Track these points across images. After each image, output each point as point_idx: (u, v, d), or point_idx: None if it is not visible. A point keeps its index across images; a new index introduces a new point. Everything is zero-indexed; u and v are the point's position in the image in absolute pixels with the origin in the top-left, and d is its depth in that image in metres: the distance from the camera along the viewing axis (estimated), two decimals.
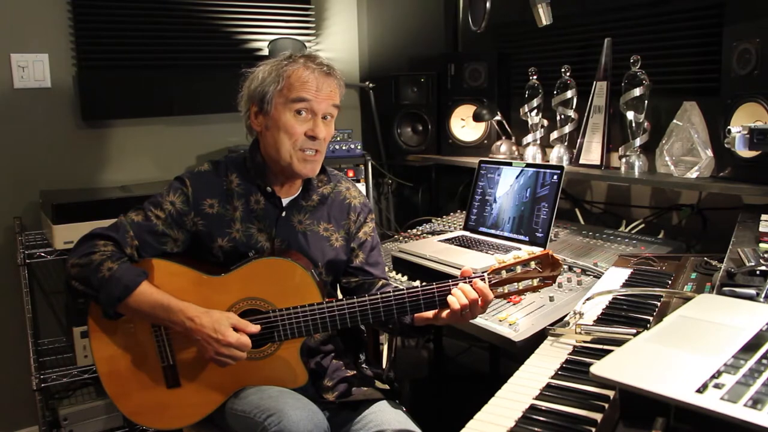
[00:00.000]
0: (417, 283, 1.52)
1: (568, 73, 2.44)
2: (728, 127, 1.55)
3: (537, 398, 1.12)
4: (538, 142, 2.62)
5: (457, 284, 1.46)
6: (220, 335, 1.44)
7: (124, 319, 1.55)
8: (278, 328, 1.51)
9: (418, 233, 2.50)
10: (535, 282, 1.48)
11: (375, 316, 1.49)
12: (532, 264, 1.47)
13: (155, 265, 1.56)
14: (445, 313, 1.48)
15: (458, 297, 1.45)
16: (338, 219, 1.72)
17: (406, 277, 2.06)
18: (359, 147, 2.99)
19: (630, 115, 2.22)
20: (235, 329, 1.46)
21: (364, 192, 2.95)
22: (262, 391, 1.50)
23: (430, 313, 1.54)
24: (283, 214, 1.66)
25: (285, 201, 1.67)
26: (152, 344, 1.57)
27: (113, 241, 1.54)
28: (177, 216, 1.60)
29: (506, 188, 2.26)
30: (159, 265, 1.57)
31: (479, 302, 1.45)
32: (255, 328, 1.49)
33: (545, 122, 2.60)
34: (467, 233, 2.30)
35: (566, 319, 1.45)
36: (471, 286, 1.45)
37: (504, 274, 1.46)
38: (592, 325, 1.37)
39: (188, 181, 1.62)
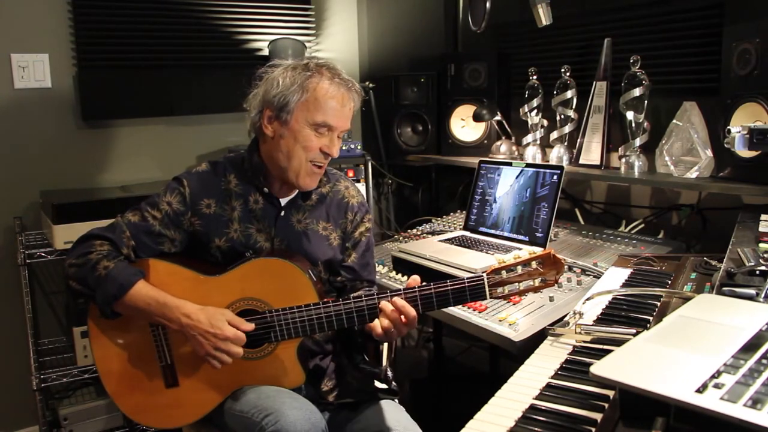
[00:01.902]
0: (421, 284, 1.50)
1: (568, 73, 2.44)
2: (728, 127, 1.54)
3: (537, 398, 1.12)
4: (538, 142, 2.62)
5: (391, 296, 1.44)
6: (218, 330, 1.45)
7: (123, 319, 1.56)
8: (275, 328, 1.51)
9: (418, 233, 2.50)
10: (537, 282, 1.45)
11: (371, 316, 1.48)
12: (534, 264, 1.44)
13: (152, 265, 1.57)
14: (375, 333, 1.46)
15: (381, 320, 1.43)
16: (336, 218, 1.72)
17: (406, 277, 2.06)
18: (359, 147, 3.00)
19: (630, 115, 2.22)
20: (230, 325, 1.47)
21: (364, 192, 2.95)
22: (260, 391, 1.50)
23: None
24: (282, 213, 1.66)
25: (283, 201, 1.67)
26: (150, 344, 1.57)
27: (109, 241, 1.55)
28: (174, 216, 1.60)
29: (506, 188, 2.26)
30: (156, 265, 1.57)
31: (402, 319, 1.41)
32: (249, 326, 1.49)
33: (545, 122, 2.60)
34: (467, 233, 2.30)
35: (566, 319, 1.45)
36: (390, 303, 1.42)
37: (504, 275, 1.44)
38: (592, 325, 1.37)
39: (185, 181, 1.62)
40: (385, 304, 1.42)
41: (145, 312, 1.50)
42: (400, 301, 1.41)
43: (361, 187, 2.97)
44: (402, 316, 1.41)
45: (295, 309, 1.50)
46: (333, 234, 1.71)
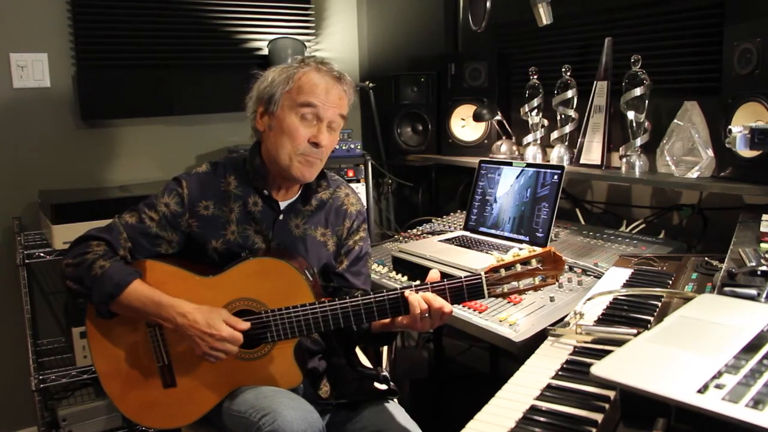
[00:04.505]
0: (416, 283, 1.50)
1: (568, 73, 2.44)
2: (729, 127, 1.54)
3: (537, 399, 1.12)
4: (539, 141, 2.61)
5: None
6: (214, 330, 1.44)
7: (121, 320, 1.55)
8: (271, 328, 1.50)
9: (418, 233, 2.50)
10: (537, 281, 1.44)
11: (368, 316, 1.48)
12: (533, 262, 1.43)
13: (148, 265, 1.56)
14: (406, 320, 1.46)
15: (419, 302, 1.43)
16: (334, 224, 1.72)
17: (406, 278, 2.06)
18: (359, 147, 2.99)
19: (630, 114, 2.21)
20: (227, 324, 1.46)
21: (363, 192, 2.95)
22: (258, 391, 1.49)
23: (387, 319, 1.51)
24: (281, 217, 1.65)
25: (282, 204, 1.66)
26: (148, 344, 1.56)
27: (106, 242, 1.55)
28: (171, 217, 1.59)
29: (506, 188, 2.25)
30: (152, 266, 1.56)
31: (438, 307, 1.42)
32: (245, 325, 1.48)
33: (545, 122, 2.59)
34: (467, 233, 2.30)
35: (567, 319, 1.44)
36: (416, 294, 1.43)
37: (503, 273, 1.44)
38: (593, 326, 1.37)
39: (184, 182, 1.62)
40: (413, 295, 1.43)
41: (141, 311, 1.49)
42: (430, 294, 1.43)
43: (361, 187, 2.96)
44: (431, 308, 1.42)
45: (291, 309, 1.49)
46: (330, 240, 1.70)
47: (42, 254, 2.44)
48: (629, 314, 1.41)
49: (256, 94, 1.62)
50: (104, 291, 1.48)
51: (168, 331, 1.53)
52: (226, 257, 1.60)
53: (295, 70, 1.58)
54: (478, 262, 1.87)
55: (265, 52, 3.06)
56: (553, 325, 1.44)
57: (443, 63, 2.95)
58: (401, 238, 2.46)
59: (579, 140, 2.43)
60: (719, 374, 0.85)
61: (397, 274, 2.10)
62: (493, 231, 2.24)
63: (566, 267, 1.91)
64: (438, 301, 1.42)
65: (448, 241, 2.20)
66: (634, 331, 1.28)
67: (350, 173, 2.97)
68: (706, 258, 1.71)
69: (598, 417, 1.03)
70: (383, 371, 1.74)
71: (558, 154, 2.50)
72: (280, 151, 1.57)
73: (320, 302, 1.49)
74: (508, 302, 1.73)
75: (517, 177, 2.23)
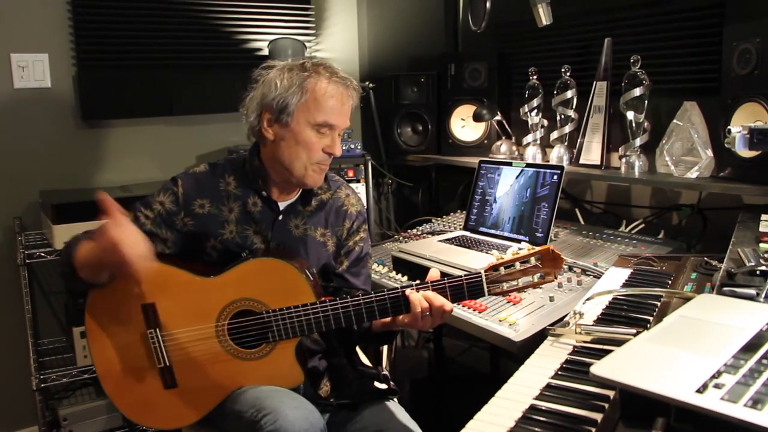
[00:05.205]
0: (417, 282, 1.50)
1: (568, 73, 2.44)
2: (728, 127, 1.54)
3: (537, 398, 1.12)
4: (538, 142, 2.62)
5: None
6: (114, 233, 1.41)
7: (121, 321, 1.55)
8: (272, 328, 1.50)
9: (418, 233, 2.50)
10: (536, 278, 1.45)
11: (369, 315, 1.48)
12: (532, 260, 1.44)
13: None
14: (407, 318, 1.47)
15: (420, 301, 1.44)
16: (334, 225, 1.72)
17: (406, 278, 2.06)
18: (359, 147, 2.99)
19: (630, 115, 2.21)
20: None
21: (363, 192, 2.95)
22: (259, 391, 1.50)
23: (388, 318, 1.52)
24: (280, 218, 1.66)
25: (282, 205, 1.67)
26: (148, 346, 1.56)
27: None
28: (166, 216, 1.60)
29: (506, 188, 2.26)
30: (151, 267, 1.56)
31: (442, 306, 1.43)
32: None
33: (545, 122, 2.59)
34: (467, 233, 2.30)
35: (566, 319, 1.45)
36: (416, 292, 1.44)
37: (502, 271, 1.44)
38: (592, 325, 1.37)
39: (180, 181, 1.63)
40: (414, 293, 1.44)
41: (96, 258, 1.46)
42: (431, 293, 1.44)
43: (361, 187, 2.97)
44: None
45: (292, 309, 1.49)
46: (330, 241, 1.71)
47: (43, 254, 2.44)
48: (629, 314, 1.41)
49: (261, 99, 1.58)
50: (64, 258, 1.52)
51: (168, 333, 1.53)
52: (225, 256, 1.60)
53: (306, 79, 1.55)
54: (477, 262, 1.87)
55: (265, 52, 3.06)
56: (552, 324, 1.44)
57: (443, 63, 2.95)
58: (401, 238, 2.46)
59: (578, 140, 2.43)
60: (718, 374, 0.85)
61: (397, 274, 2.10)
62: (492, 231, 2.25)
63: (566, 267, 1.91)
64: (439, 300, 1.43)
65: (448, 241, 2.20)
66: (634, 330, 1.28)
67: (350, 173, 2.97)
68: (705, 258, 1.71)
69: (598, 416, 1.03)
70: (383, 371, 1.74)
71: (557, 154, 2.51)
72: (296, 162, 1.57)
73: (321, 302, 1.49)
74: (508, 302, 1.73)
75: (517, 177, 2.23)
